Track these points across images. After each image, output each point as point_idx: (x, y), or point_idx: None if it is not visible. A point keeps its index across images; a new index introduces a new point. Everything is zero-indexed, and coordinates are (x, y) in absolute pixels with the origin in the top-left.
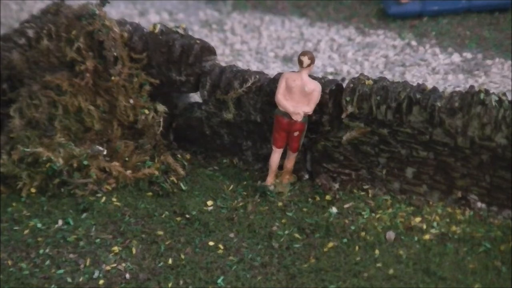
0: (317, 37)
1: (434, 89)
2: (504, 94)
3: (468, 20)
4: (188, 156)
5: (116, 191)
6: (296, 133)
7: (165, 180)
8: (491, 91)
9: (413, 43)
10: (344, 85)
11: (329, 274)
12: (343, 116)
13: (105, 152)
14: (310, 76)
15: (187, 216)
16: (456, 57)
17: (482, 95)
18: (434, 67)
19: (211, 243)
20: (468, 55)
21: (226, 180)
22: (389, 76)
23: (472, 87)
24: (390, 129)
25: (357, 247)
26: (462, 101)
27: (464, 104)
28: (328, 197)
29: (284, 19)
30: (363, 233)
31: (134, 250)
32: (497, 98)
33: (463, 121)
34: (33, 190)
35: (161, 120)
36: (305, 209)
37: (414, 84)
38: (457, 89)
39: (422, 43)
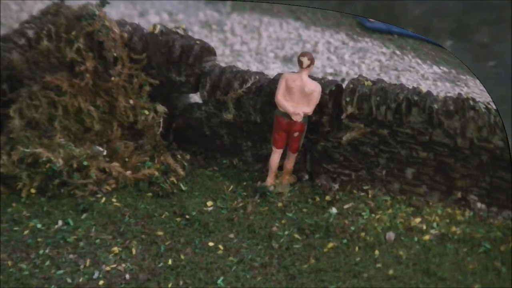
0: (314, 39)
1: (429, 93)
2: (489, 103)
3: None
4: (188, 157)
5: (116, 191)
6: (296, 134)
7: (165, 180)
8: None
9: (398, 52)
10: (344, 85)
11: (329, 274)
12: (343, 116)
13: (105, 153)
14: (310, 76)
15: (187, 216)
16: (436, 69)
17: (471, 102)
18: (423, 74)
19: (211, 244)
20: (445, 68)
21: (226, 180)
22: (385, 79)
23: (460, 94)
24: (390, 130)
25: (357, 248)
26: (456, 105)
27: (459, 108)
28: (328, 198)
29: (282, 21)
30: (363, 234)
31: (134, 251)
32: (484, 106)
33: (461, 123)
34: (33, 190)
35: (161, 120)
36: (305, 210)
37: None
38: (449, 94)
39: (404, 54)
